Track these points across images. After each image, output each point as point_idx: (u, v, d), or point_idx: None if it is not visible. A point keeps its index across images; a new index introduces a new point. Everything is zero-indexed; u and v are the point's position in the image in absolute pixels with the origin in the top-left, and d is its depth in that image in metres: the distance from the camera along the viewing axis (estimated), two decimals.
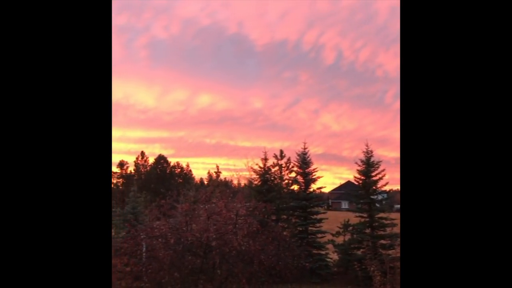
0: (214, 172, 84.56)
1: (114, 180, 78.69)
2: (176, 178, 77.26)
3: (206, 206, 12.64)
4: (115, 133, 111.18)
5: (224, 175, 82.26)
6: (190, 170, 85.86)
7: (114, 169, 77.88)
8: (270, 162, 23.43)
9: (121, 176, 76.63)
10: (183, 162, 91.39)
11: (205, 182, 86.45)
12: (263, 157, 23.09)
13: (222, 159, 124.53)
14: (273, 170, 23.28)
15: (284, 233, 18.31)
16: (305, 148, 21.68)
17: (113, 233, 26.04)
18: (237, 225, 12.18)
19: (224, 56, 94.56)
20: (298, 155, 22.16)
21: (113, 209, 43.33)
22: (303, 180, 21.61)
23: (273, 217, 20.45)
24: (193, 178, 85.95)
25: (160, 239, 12.13)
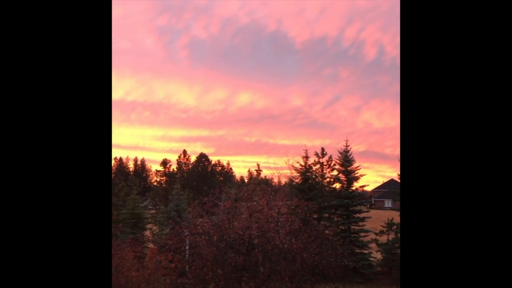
0: (255, 170, 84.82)
1: (157, 178, 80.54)
2: (217, 176, 78.21)
3: (248, 204, 12.69)
4: (158, 132, 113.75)
5: (264, 173, 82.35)
6: (231, 168, 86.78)
7: (158, 167, 79.74)
8: (311, 160, 23.28)
9: (164, 174, 78.31)
10: (224, 160, 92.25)
11: (246, 180, 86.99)
12: (303, 155, 22.98)
13: (261, 157, 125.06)
14: (314, 168, 23.12)
15: (327, 231, 18.17)
16: (347, 146, 21.42)
17: (157, 230, 26.70)
18: (279, 223, 12.17)
19: (263, 54, 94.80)
20: (340, 153, 21.91)
21: (156, 206, 44.38)
22: (345, 178, 21.36)
23: (315, 216, 20.32)
24: (233, 176, 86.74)
25: (203, 236, 12.30)
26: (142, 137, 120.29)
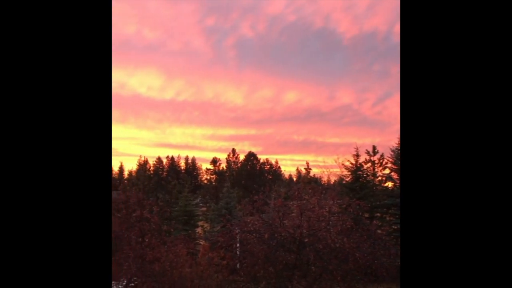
0: (304, 168, 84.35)
1: (207, 176, 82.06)
2: (266, 175, 78.50)
3: (298, 203, 12.67)
4: (207, 131, 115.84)
5: (313, 171, 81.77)
6: (279, 167, 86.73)
7: (208, 166, 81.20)
8: (362, 158, 22.86)
9: (214, 172, 79.64)
10: (272, 159, 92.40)
11: (294, 179, 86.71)
12: (354, 153, 22.60)
13: (310, 156, 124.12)
14: (365, 166, 22.70)
15: (379, 231, 17.77)
16: (399, 144, 20.82)
17: (208, 227, 27.21)
18: (330, 222, 12.06)
19: (310, 51, 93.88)
20: (392, 150, 21.37)
21: (207, 204, 45.25)
22: (397, 177, 20.79)
23: (367, 215, 19.94)
24: (282, 175, 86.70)
25: (254, 234, 12.42)
26: (192, 136, 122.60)
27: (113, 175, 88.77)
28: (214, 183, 74.17)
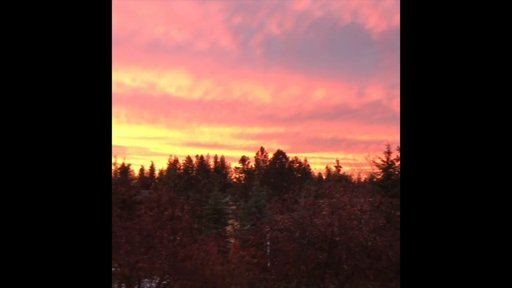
0: (334, 166, 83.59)
1: (236, 175, 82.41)
2: (295, 173, 78.24)
3: (329, 201, 12.55)
4: (235, 130, 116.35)
5: (343, 169, 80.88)
6: (308, 165, 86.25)
7: (237, 164, 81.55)
8: (394, 155, 22.46)
9: (243, 171, 79.91)
10: (301, 157, 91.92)
11: (324, 177, 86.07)
12: (385, 150, 22.23)
13: (339, 154, 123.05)
14: (397, 164, 22.29)
15: None
16: None
17: (238, 225, 27.34)
18: (362, 221, 11.90)
19: (338, 47, 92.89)
20: None
21: (237, 203, 45.47)
22: None
23: (399, 213, 19.58)
24: (311, 173, 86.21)
25: (284, 233, 12.38)
26: (221, 135, 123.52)
27: (144, 174, 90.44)
28: (243, 182, 74.42)
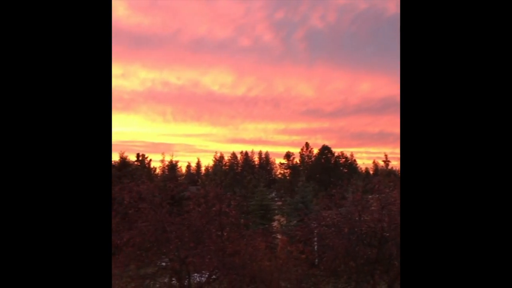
0: (382, 161, 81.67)
1: (281, 171, 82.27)
2: (341, 168, 77.10)
3: (379, 196, 12.26)
4: (279, 126, 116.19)
5: (391, 164, 78.77)
6: (355, 160, 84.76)
7: (281, 160, 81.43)
8: None
9: (288, 167, 79.71)
10: (347, 152, 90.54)
11: (371, 172, 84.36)
12: None
13: (387, 148, 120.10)
14: None
15: None
16: None
17: (284, 221, 27.30)
18: None
19: (383, 39, 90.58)
20: None
21: (282, 198, 45.39)
22: None
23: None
24: (358, 168, 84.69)
25: (332, 228, 12.22)
26: (265, 131, 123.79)
27: (191, 171, 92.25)
28: (288, 178, 74.25)
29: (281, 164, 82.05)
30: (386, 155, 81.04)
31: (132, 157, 50.34)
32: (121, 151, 39.88)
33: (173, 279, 11.54)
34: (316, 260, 13.22)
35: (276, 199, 44.81)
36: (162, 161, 79.81)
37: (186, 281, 11.34)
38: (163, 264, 11.71)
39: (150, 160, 74.38)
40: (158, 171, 73.90)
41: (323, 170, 71.45)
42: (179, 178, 43.46)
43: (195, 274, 11.79)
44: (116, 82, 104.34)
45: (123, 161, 35.91)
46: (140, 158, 66.14)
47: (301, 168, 76.44)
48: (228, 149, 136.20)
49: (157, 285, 11.38)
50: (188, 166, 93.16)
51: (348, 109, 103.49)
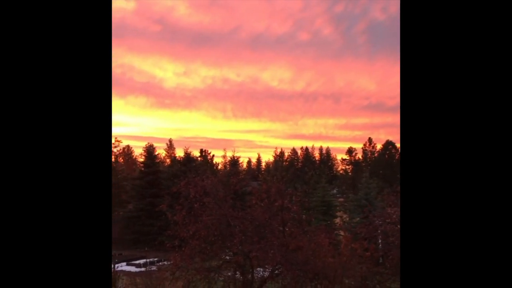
0: None
1: (343, 167, 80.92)
2: None
3: None
4: (340, 121, 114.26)
5: None
6: None
7: (343, 156, 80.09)
8: None
9: (350, 162, 78.28)
10: None
11: None
12: None
13: None
14: None
15: None
16: None
17: (347, 218, 26.86)
18: None
19: None
20: None
21: (344, 195, 44.58)
22: None
23: None
24: None
25: (398, 226, 11.83)
26: (325, 127, 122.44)
27: (252, 167, 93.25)
28: (350, 174, 72.89)
29: (343, 160, 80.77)
30: None
31: (195, 153, 51.77)
32: (185, 147, 41.15)
33: (237, 273, 11.72)
34: (381, 258, 12.88)
35: (338, 195, 44.14)
36: (224, 156, 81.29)
37: (249, 275, 11.48)
38: (227, 257, 11.93)
39: (213, 155, 76.21)
40: (220, 166, 75.40)
41: (387, 166, 69.35)
42: (240, 174, 44.07)
43: (259, 269, 11.91)
44: (179, 80, 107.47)
45: (188, 156, 36.97)
46: (204, 154, 67.89)
47: (364, 164, 74.70)
48: (288, 144, 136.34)
49: (221, 278, 11.62)
50: (249, 162, 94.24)
51: None
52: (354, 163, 76.80)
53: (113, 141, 56.27)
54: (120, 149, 64.90)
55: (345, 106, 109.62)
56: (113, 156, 54.46)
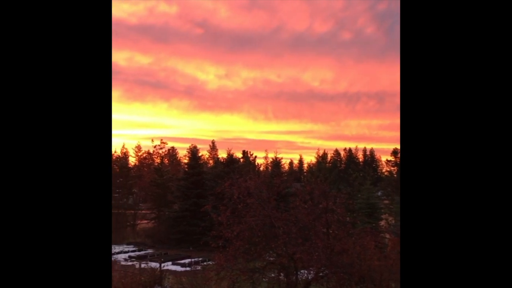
0: None
1: (388, 168, 79.02)
2: None
3: None
4: (384, 121, 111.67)
5: None
6: None
7: (388, 157, 78.19)
8: None
9: (395, 164, 76.33)
10: None
11: None
12: None
13: None
14: None
15: None
16: None
17: (393, 220, 26.24)
18: None
19: None
20: None
21: (389, 197, 43.49)
22: None
23: None
24: None
25: None
26: (368, 127, 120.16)
27: (293, 168, 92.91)
28: (395, 176, 71.06)
29: (388, 161, 78.77)
30: None
31: (238, 154, 52.17)
32: (228, 148, 41.55)
33: (281, 274, 11.69)
34: None
35: (383, 197, 43.15)
36: (266, 157, 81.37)
37: (293, 277, 11.42)
38: (271, 259, 11.92)
39: (255, 157, 76.53)
40: (262, 168, 75.60)
41: None
42: (283, 175, 44.03)
43: (302, 271, 11.82)
44: (220, 82, 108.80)
45: (230, 157, 37.33)
46: (246, 155, 68.29)
47: None
48: (330, 146, 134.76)
49: (265, 280, 11.62)
50: (291, 163, 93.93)
51: None
52: (399, 164, 74.78)
53: (158, 143, 57.80)
54: (166, 151, 66.37)
55: (389, 106, 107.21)
56: (159, 157, 55.85)
